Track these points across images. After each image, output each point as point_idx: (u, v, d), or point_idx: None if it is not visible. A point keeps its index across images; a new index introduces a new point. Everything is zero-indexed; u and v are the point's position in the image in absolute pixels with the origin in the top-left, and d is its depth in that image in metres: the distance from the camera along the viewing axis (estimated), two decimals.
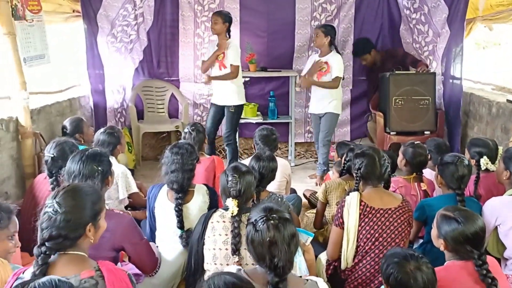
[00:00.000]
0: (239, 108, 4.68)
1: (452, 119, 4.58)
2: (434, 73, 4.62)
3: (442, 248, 2.01)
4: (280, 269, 1.60)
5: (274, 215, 1.66)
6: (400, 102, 4.46)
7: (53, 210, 1.60)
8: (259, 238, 1.62)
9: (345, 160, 3.24)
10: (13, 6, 3.35)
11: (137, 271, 2.39)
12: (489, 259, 1.99)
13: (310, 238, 2.25)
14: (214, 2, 5.32)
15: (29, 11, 3.58)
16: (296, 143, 5.60)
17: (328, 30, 4.56)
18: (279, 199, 2.83)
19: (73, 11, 4.56)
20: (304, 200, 3.90)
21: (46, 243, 1.57)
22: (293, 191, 3.85)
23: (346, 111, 5.58)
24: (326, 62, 4.58)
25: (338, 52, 4.66)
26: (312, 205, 3.85)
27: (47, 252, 1.56)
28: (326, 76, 4.59)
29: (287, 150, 5.66)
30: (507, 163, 2.62)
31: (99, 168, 2.27)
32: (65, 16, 4.43)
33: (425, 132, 4.44)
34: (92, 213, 1.68)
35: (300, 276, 1.91)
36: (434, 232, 2.05)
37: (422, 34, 4.92)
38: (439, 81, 4.74)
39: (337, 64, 4.55)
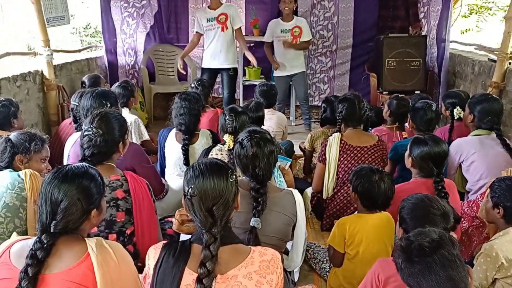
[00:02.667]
0: (236, 71, 5.01)
1: (443, 80, 4.87)
2: (425, 36, 4.89)
3: (409, 166, 2.43)
4: (260, 177, 1.99)
5: (257, 135, 2.05)
6: (392, 64, 4.76)
7: (92, 133, 2.03)
8: (244, 153, 2.01)
9: (322, 113, 3.62)
10: None
11: None
12: (447, 181, 2.40)
13: (289, 163, 2.66)
14: None
15: None
16: (297, 106, 5.95)
17: None
18: None
19: None
20: (299, 152, 4.29)
21: (88, 158, 2.03)
22: (290, 143, 4.23)
23: (345, 77, 5.89)
24: (297, 26, 4.95)
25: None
26: (304, 153, 4.23)
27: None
28: (300, 38, 4.99)
29: (289, 111, 6.01)
30: (471, 107, 2.96)
31: (107, 103, 2.70)
32: None
33: (416, 92, 4.74)
34: (121, 133, 2.15)
35: None
36: (406, 152, 2.46)
37: None
38: (433, 44, 5.00)
39: (307, 27, 5.06)
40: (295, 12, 5.06)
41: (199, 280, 1.37)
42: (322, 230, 2.95)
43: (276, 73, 5.16)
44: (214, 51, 4.85)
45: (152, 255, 1.50)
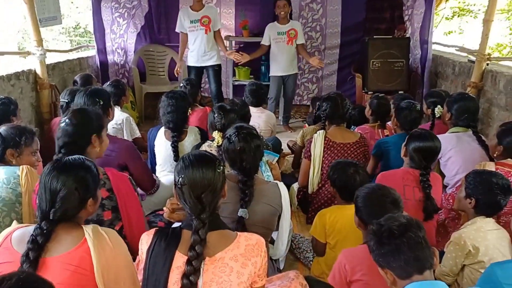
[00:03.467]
0: (220, 66, 5.22)
1: (426, 80, 5.03)
2: (408, 38, 5.05)
3: (402, 154, 2.61)
4: (248, 170, 2.11)
5: (244, 131, 2.17)
6: (377, 64, 4.92)
7: (65, 124, 2.11)
8: (232, 147, 2.13)
9: (315, 111, 3.76)
10: None
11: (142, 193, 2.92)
12: (434, 174, 2.57)
13: (276, 158, 2.78)
14: None
15: None
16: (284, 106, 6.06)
17: (289, 1, 5.07)
18: None
19: None
20: (287, 150, 4.41)
21: (62, 150, 2.08)
22: (278, 140, 4.35)
23: (333, 77, 6.04)
24: (293, 29, 5.10)
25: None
26: (292, 152, 4.36)
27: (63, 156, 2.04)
28: (295, 40, 5.14)
29: (278, 111, 6.13)
30: (449, 106, 3.11)
31: (100, 101, 2.78)
32: None
33: (399, 92, 4.89)
34: (95, 126, 2.17)
35: None
36: (403, 145, 2.62)
37: None
38: (417, 46, 5.17)
39: (302, 31, 5.24)
40: (290, 16, 5.20)
41: (189, 262, 1.49)
42: (307, 223, 3.07)
43: (272, 73, 5.33)
44: (199, 51, 5.02)
45: (145, 240, 1.61)
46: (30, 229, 1.60)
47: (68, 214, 1.60)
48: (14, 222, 1.76)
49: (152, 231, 1.63)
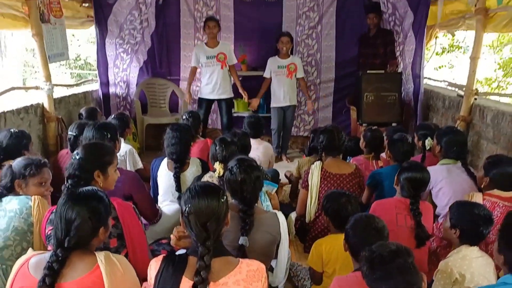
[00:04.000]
0: (232, 99, 5.53)
1: (419, 113, 5.22)
2: (400, 73, 5.28)
3: (395, 184, 2.76)
4: (248, 200, 2.24)
5: (245, 163, 2.31)
6: (370, 98, 5.11)
7: (74, 157, 2.25)
8: (234, 178, 2.26)
9: (311, 142, 3.92)
10: (40, 12, 4.02)
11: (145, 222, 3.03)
12: (425, 203, 2.72)
13: (275, 189, 2.91)
14: (211, 9, 5.99)
15: (53, 16, 4.25)
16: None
17: (292, 38, 5.38)
18: None
19: (88, 16, 5.25)
20: (285, 180, 4.55)
21: (68, 180, 2.20)
22: (276, 171, 4.49)
23: (328, 109, 6.25)
24: (293, 63, 5.37)
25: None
26: (290, 181, 4.50)
27: (69, 187, 2.15)
28: (295, 73, 5.40)
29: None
30: (438, 139, 3.28)
31: (108, 134, 2.93)
32: (81, 20, 5.11)
33: (393, 124, 5.07)
34: (100, 163, 2.26)
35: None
36: (396, 175, 2.77)
37: (397, 35, 5.58)
38: (410, 80, 5.39)
39: (301, 65, 5.54)
40: (291, 51, 5.48)
41: (194, 286, 1.60)
42: (305, 251, 3.17)
43: (273, 104, 5.54)
44: (214, 85, 5.31)
45: (154, 266, 1.72)
46: (46, 256, 1.71)
47: (82, 242, 1.71)
48: (30, 249, 1.87)
49: (160, 257, 1.74)
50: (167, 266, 1.68)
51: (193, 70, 5.42)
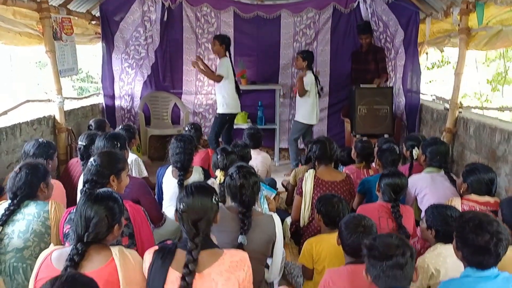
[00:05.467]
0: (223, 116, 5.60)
1: (410, 125, 5.49)
2: (391, 87, 5.56)
3: (376, 190, 3.00)
4: (246, 203, 2.47)
5: (244, 169, 2.55)
6: (363, 111, 5.38)
7: (91, 164, 2.50)
8: (233, 183, 2.49)
9: (307, 153, 4.17)
10: (54, 30, 4.30)
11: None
12: (405, 206, 2.97)
13: (274, 194, 3.16)
14: (212, 26, 6.29)
15: (64, 34, 4.53)
16: (280, 149, 6.50)
17: (306, 55, 5.50)
18: None
19: (95, 33, 5.54)
20: (282, 189, 4.78)
21: (86, 184, 2.46)
22: (273, 180, 4.73)
23: (323, 122, 6.52)
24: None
25: (313, 73, 5.57)
26: (286, 190, 4.73)
27: (86, 191, 2.41)
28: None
29: (273, 152, 6.54)
30: (423, 149, 3.53)
31: (117, 143, 3.18)
32: (90, 37, 5.40)
33: (385, 135, 5.33)
34: (114, 169, 2.53)
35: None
36: (377, 183, 3.02)
37: (388, 51, 5.89)
38: (401, 94, 5.66)
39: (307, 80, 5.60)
40: (311, 68, 5.55)
41: (183, 278, 1.80)
42: (300, 253, 3.37)
43: (306, 121, 5.68)
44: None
45: (147, 258, 1.95)
46: (67, 249, 1.95)
47: (99, 237, 1.95)
48: (51, 244, 2.10)
49: (152, 250, 1.96)
50: (157, 258, 1.89)
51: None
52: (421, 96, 5.29)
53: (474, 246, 1.89)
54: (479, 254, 1.89)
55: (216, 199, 2.00)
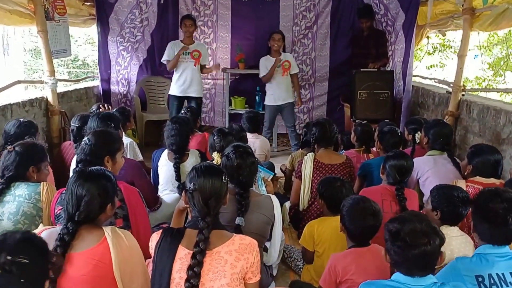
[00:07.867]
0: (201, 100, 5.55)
1: (404, 109, 5.38)
2: (392, 71, 5.45)
3: (380, 173, 2.91)
4: (244, 183, 2.39)
5: (241, 149, 2.46)
6: (364, 95, 5.27)
7: (85, 143, 2.40)
8: (230, 164, 2.41)
9: (304, 136, 4.08)
10: (45, 10, 4.17)
11: None
12: (409, 190, 2.87)
13: (271, 176, 3.07)
14: (208, 8, 6.16)
15: (57, 14, 4.40)
16: (279, 134, 6.40)
17: (283, 35, 5.43)
18: None
19: (90, 15, 5.40)
20: (280, 174, 4.70)
21: (79, 164, 2.36)
22: (272, 164, 4.65)
23: (323, 107, 6.42)
24: (287, 60, 5.43)
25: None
26: (285, 175, 4.65)
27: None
28: (290, 70, 5.45)
29: (271, 138, 6.44)
30: (426, 131, 3.44)
31: (111, 124, 3.07)
32: (84, 18, 5.27)
33: (385, 120, 5.23)
34: (109, 149, 2.43)
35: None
36: (382, 165, 2.93)
37: (389, 34, 5.76)
38: (400, 78, 5.55)
39: (294, 61, 5.57)
40: (283, 49, 5.52)
41: (193, 256, 1.75)
42: (299, 238, 3.31)
43: (267, 102, 5.57)
44: (185, 81, 5.34)
45: (155, 238, 1.88)
46: (57, 229, 1.86)
47: (91, 216, 1.86)
48: (41, 225, 2.01)
49: (161, 231, 1.90)
50: (166, 237, 1.84)
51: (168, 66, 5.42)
52: (423, 80, 5.18)
53: (491, 216, 1.86)
54: (496, 225, 1.85)
55: (226, 178, 1.95)
